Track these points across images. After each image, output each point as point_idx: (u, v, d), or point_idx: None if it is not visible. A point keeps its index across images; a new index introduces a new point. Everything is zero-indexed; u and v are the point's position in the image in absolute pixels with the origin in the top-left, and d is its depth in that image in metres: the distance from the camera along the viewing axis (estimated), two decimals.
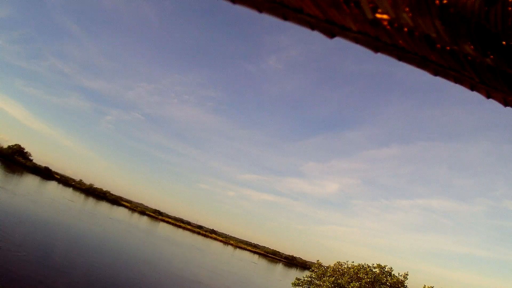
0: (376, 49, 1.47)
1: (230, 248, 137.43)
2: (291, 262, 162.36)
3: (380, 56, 1.45)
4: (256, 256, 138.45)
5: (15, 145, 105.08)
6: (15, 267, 15.72)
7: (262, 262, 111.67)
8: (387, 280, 20.81)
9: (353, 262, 22.49)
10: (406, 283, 21.11)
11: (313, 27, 1.46)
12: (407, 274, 21.09)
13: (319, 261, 23.85)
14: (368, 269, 21.57)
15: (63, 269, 18.76)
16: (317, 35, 1.47)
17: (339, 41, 1.44)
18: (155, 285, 23.64)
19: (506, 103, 1.61)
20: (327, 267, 22.97)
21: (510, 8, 0.93)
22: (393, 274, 21.34)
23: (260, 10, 1.45)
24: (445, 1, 0.98)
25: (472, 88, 1.59)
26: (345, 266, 22.58)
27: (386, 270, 21.60)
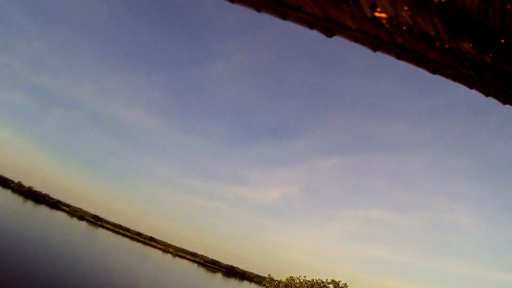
0: (375, 47, 1.48)
1: (169, 256, 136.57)
2: (231, 272, 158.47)
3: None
4: (195, 265, 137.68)
5: None
6: None
7: (201, 271, 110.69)
8: None
9: (305, 276, 22.06)
10: None
11: (312, 26, 1.46)
12: None
13: (271, 275, 23.46)
14: (322, 285, 21.21)
15: None
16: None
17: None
18: None
19: (505, 101, 1.61)
20: (279, 282, 22.55)
21: (509, 6, 0.93)
22: None
23: (259, 9, 1.45)
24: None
25: (471, 86, 1.59)
26: (298, 281, 22.12)
27: (340, 286, 21.35)
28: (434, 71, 1.48)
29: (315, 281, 21.67)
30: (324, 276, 22.03)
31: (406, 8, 1.08)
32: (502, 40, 1.08)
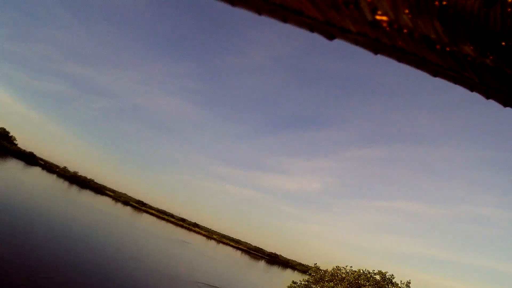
0: (375, 50, 1.48)
1: (213, 242, 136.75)
2: (274, 259, 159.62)
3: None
4: (238, 252, 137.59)
5: (0, 128, 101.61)
6: None
7: (245, 259, 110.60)
8: None
9: (351, 267, 21.83)
10: None
11: (312, 29, 1.46)
12: (409, 283, 20.54)
13: (317, 265, 23.28)
14: (368, 276, 20.79)
15: (42, 261, 18.13)
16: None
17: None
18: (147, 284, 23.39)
19: (506, 103, 1.61)
20: (325, 271, 22.41)
21: (509, 9, 0.93)
22: (395, 282, 20.69)
23: (259, 12, 1.46)
24: (444, 2, 0.99)
25: (472, 88, 1.59)
26: (344, 271, 21.80)
27: (387, 277, 20.86)
28: (434, 74, 1.48)
29: (361, 271, 21.35)
30: (358, 267, 21.75)
31: (406, 11, 1.08)
32: (503, 43, 1.09)
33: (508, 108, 1.65)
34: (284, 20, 1.41)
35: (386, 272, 21.03)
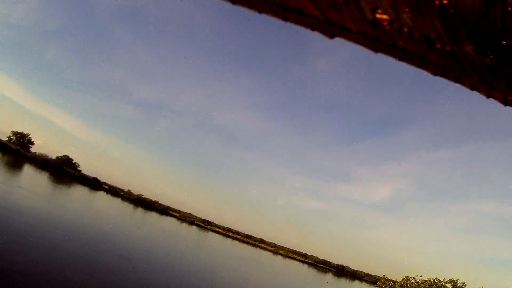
0: (376, 49, 1.48)
1: (279, 257, 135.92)
2: (341, 271, 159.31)
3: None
4: (305, 266, 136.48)
5: (64, 155, 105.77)
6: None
7: (312, 272, 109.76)
8: None
9: (421, 276, 21.52)
10: None
11: (313, 28, 1.46)
12: None
13: (386, 276, 22.76)
14: (439, 285, 20.50)
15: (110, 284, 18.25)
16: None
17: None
18: None
19: (506, 102, 1.61)
20: (394, 282, 21.87)
21: (509, 9, 0.93)
22: None
23: (260, 11, 1.46)
24: (444, 2, 0.99)
25: (472, 87, 1.59)
26: (414, 281, 21.47)
27: (458, 285, 20.53)
28: (435, 73, 1.48)
29: (432, 280, 21.08)
30: (437, 275, 21.17)
31: (407, 10, 1.08)
32: (503, 42, 1.08)
33: (508, 107, 1.65)
34: (285, 19, 1.41)
35: (457, 280, 20.50)
